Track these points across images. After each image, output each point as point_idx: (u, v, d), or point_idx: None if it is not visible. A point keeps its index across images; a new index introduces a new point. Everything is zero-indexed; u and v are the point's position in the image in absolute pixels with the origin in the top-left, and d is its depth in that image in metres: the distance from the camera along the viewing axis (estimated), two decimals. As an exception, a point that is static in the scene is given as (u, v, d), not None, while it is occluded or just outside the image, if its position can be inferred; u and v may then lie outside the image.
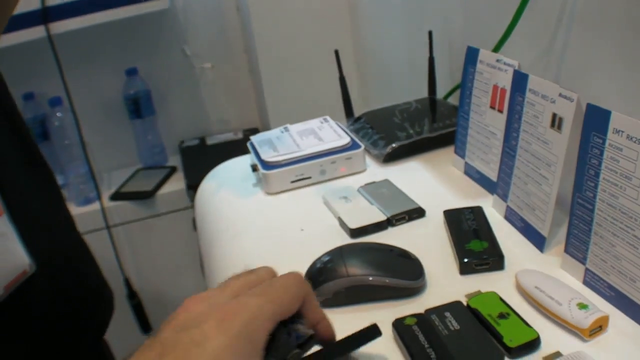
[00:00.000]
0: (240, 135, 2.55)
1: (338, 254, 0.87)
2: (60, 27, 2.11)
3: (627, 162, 0.73)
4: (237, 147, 2.20)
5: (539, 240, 0.92)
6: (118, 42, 2.43)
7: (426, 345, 0.71)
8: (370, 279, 0.83)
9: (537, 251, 0.92)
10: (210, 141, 2.56)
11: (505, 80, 1.02)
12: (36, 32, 2.08)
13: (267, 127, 2.29)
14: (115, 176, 2.52)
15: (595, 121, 0.77)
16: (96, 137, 2.40)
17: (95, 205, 2.36)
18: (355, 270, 0.83)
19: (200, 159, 2.42)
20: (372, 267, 0.84)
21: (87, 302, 1.01)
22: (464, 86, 1.14)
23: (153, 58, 2.49)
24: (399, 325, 0.76)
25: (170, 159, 2.58)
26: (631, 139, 0.72)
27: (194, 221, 2.26)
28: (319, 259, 0.89)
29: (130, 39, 2.44)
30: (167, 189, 2.40)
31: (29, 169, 0.94)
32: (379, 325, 0.66)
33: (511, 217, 0.99)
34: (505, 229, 0.98)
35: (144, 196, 2.36)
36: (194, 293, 0.62)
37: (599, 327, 0.73)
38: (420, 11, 1.64)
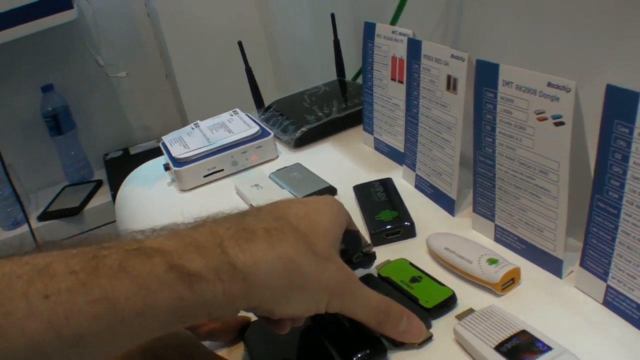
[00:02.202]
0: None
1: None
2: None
3: (519, 112, 0.72)
4: (159, 154, 2.17)
5: (448, 204, 0.91)
6: (31, 59, 2.39)
7: (341, 318, 0.70)
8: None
9: (448, 215, 0.91)
10: (133, 151, 2.53)
11: (402, 51, 1.02)
12: None
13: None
14: (42, 195, 2.48)
15: (485, 76, 0.77)
16: (18, 158, 2.36)
17: (24, 227, 2.32)
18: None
19: (125, 169, 2.37)
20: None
21: None
22: (365, 62, 1.14)
23: (67, 72, 2.46)
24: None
25: (96, 173, 2.55)
26: (520, 88, 0.72)
27: (115, 228, 2.25)
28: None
29: (42, 55, 2.40)
30: (94, 203, 2.37)
31: None
32: None
33: (421, 185, 0.99)
34: (417, 197, 0.98)
35: (71, 213, 2.32)
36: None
37: (511, 280, 0.73)
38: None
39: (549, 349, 0.59)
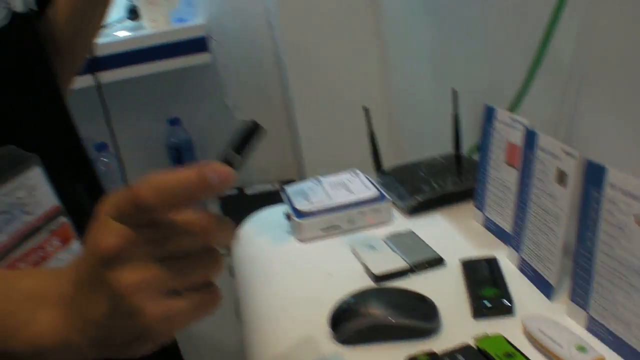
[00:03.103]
0: (277, 186, 2.63)
1: (360, 296, 0.95)
2: (108, 76, 2.22)
3: (621, 214, 0.80)
4: (274, 197, 2.28)
5: (547, 289, 0.99)
6: (162, 93, 2.54)
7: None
8: (389, 318, 0.91)
9: (546, 300, 0.99)
10: (248, 191, 2.64)
11: (517, 137, 1.10)
12: (85, 81, 2.19)
13: (303, 179, 2.37)
14: (156, 224, 2.60)
15: (593, 176, 0.85)
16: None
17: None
18: (376, 311, 0.91)
19: (239, 207, 2.50)
20: (391, 308, 0.92)
21: None
22: (483, 143, 1.22)
23: (195, 108, 2.60)
24: (413, 363, 0.84)
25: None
26: (625, 193, 0.80)
27: (230, 268, 2.34)
28: (343, 300, 0.97)
29: (174, 90, 2.55)
30: (206, 236, 2.48)
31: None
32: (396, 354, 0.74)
33: (524, 267, 1.06)
34: (518, 278, 1.05)
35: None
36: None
37: (596, 367, 0.80)
38: (446, 69, 1.72)
39: None
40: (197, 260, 0.60)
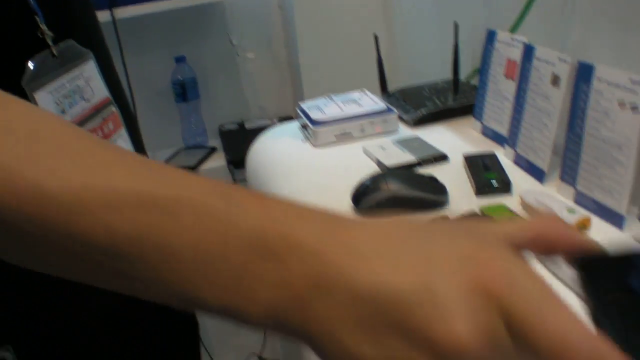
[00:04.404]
0: (276, 122, 2.77)
1: (380, 175, 1.11)
2: (123, 12, 2.36)
3: (606, 102, 0.97)
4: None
5: (540, 174, 1.16)
6: (170, 31, 2.67)
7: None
8: (406, 192, 1.06)
9: (538, 183, 1.16)
10: (248, 125, 2.78)
11: (516, 54, 1.26)
12: (102, 16, 2.31)
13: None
14: (159, 154, 2.73)
15: (583, 73, 1.01)
16: (144, 117, 2.61)
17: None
18: (394, 186, 1.07)
19: (239, 140, 2.65)
20: (406, 183, 1.08)
21: None
22: (484, 61, 1.39)
23: (201, 46, 2.73)
24: (428, 221, 0.99)
25: (211, 141, 2.79)
26: (609, 84, 0.96)
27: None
28: (364, 179, 1.12)
29: (181, 28, 2.68)
30: (209, 165, 2.62)
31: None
32: None
33: (518, 160, 1.23)
34: (514, 170, 1.21)
35: (187, 170, 2.58)
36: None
37: (583, 225, 0.97)
38: (447, 2, 1.89)
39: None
40: None
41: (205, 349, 2.71)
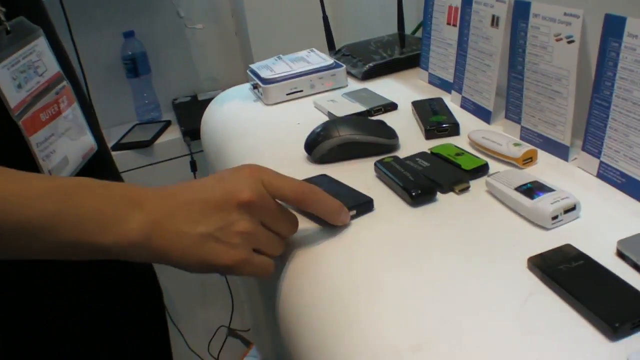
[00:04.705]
0: (227, 92, 2.80)
1: (331, 122, 1.14)
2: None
3: (543, 36, 1.00)
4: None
5: (486, 115, 1.19)
6: (117, 6, 2.67)
7: (403, 171, 0.98)
8: (357, 137, 1.09)
9: (485, 124, 1.19)
10: (201, 97, 2.80)
11: (457, 1, 1.29)
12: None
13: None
14: (114, 131, 2.72)
15: (521, 11, 1.05)
16: (96, 95, 2.60)
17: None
18: (345, 132, 1.10)
19: (193, 112, 2.66)
20: (358, 129, 1.10)
21: None
22: (426, 11, 1.41)
23: (149, 20, 2.73)
24: (380, 163, 1.02)
25: (165, 115, 2.80)
26: (545, 18, 1.00)
27: (191, 164, 2.51)
28: (315, 128, 1.15)
29: (127, 3, 2.68)
30: (164, 138, 2.63)
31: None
32: (365, 166, 1.01)
33: (465, 104, 1.26)
34: (461, 114, 1.24)
35: (143, 145, 2.58)
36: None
37: (529, 158, 1.00)
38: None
39: (554, 190, 0.86)
40: (283, 225, 0.83)
41: (174, 324, 2.73)
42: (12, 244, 0.71)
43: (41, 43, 1.02)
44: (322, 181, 1.01)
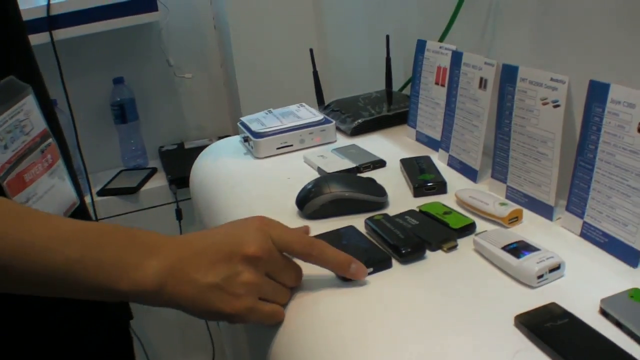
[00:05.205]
0: (214, 141, 2.81)
1: (322, 179, 1.17)
2: (61, 34, 2.37)
3: (530, 100, 1.04)
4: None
5: (473, 174, 1.22)
6: (108, 52, 2.70)
7: (393, 229, 1.00)
8: (347, 194, 1.12)
9: (471, 182, 1.22)
10: (188, 145, 2.82)
11: (446, 61, 1.33)
12: (41, 38, 2.32)
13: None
14: (99, 177, 2.73)
15: (508, 75, 1.08)
16: (85, 139, 2.61)
17: (86, 199, 2.59)
18: (336, 189, 1.12)
19: (179, 159, 2.68)
20: (349, 186, 1.13)
21: None
22: (415, 70, 1.45)
23: (139, 67, 2.77)
24: (370, 220, 1.05)
25: (151, 162, 2.82)
26: (532, 82, 1.03)
27: (177, 212, 2.52)
28: (306, 184, 1.17)
29: (119, 49, 2.72)
30: (150, 185, 2.65)
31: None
32: (355, 222, 1.04)
33: (452, 162, 1.29)
34: (448, 172, 1.27)
35: (129, 191, 2.60)
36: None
37: (515, 217, 1.03)
38: (379, 15, 1.95)
39: (540, 249, 0.89)
40: (287, 276, 0.88)
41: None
42: (33, 285, 0.76)
43: (29, 101, 1.04)
44: (350, 232, 1.04)
